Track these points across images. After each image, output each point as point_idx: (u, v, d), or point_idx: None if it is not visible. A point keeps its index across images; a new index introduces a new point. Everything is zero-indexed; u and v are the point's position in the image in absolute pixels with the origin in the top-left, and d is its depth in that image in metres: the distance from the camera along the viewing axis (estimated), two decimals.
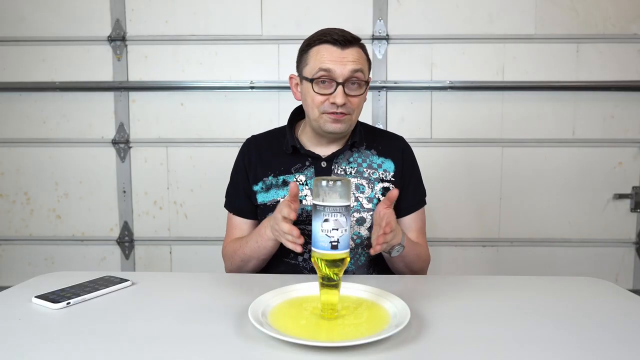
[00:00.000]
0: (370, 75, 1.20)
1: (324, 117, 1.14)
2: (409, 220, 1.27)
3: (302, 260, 1.20)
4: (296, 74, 1.22)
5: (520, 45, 2.06)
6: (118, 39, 2.07)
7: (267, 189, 1.22)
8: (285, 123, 1.27)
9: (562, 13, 2.03)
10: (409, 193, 1.26)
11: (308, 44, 1.16)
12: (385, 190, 1.21)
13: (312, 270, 1.17)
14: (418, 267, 1.21)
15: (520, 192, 2.12)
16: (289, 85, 1.25)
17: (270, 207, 1.20)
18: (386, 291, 0.92)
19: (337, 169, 1.21)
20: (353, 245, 1.19)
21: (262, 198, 1.23)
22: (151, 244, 2.18)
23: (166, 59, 2.09)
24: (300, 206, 1.17)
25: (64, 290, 0.96)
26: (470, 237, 2.14)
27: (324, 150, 1.22)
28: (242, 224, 1.28)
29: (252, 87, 2.08)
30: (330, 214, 0.80)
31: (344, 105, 1.11)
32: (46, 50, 2.10)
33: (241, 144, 1.31)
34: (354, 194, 1.19)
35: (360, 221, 1.19)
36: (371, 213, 1.19)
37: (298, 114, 1.28)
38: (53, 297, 0.92)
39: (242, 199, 1.27)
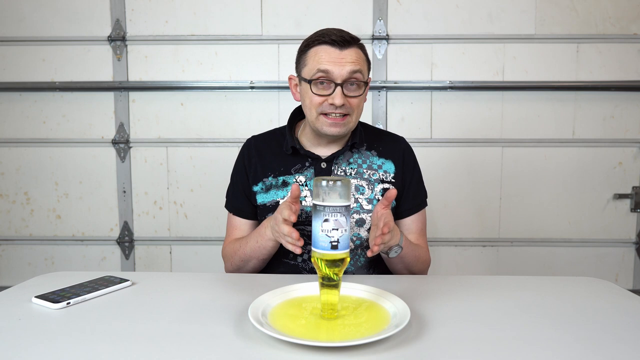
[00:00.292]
0: (370, 76, 1.19)
1: (321, 119, 1.14)
2: (409, 222, 1.26)
3: (301, 261, 1.20)
4: (295, 74, 1.22)
5: (520, 45, 2.06)
6: (118, 39, 2.07)
7: (267, 189, 1.22)
8: (285, 123, 1.27)
9: (562, 13, 2.03)
10: (410, 195, 1.25)
11: (306, 45, 1.15)
12: (385, 192, 1.20)
13: (312, 271, 1.17)
14: (417, 269, 1.21)
15: (520, 192, 2.12)
16: (288, 85, 1.25)
17: (270, 208, 1.20)
18: (386, 291, 0.92)
19: (337, 170, 1.21)
20: (352, 246, 1.19)
21: (261, 199, 1.23)
22: (151, 244, 2.18)
23: (166, 59, 2.09)
24: (300, 207, 1.17)
25: (64, 290, 0.97)
26: (470, 237, 2.14)
27: (324, 151, 1.22)
28: (242, 224, 1.28)
29: (252, 87, 2.08)
30: (330, 214, 0.80)
31: (342, 106, 1.11)
32: (46, 50, 2.10)
33: (241, 144, 1.31)
34: (353, 195, 1.19)
35: (360, 222, 1.18)
36: (371, 214, 1.18)
37: (298, 115, 1.28)
38: (53, 297, 0.92)
39: (242, 200, 1.26)
